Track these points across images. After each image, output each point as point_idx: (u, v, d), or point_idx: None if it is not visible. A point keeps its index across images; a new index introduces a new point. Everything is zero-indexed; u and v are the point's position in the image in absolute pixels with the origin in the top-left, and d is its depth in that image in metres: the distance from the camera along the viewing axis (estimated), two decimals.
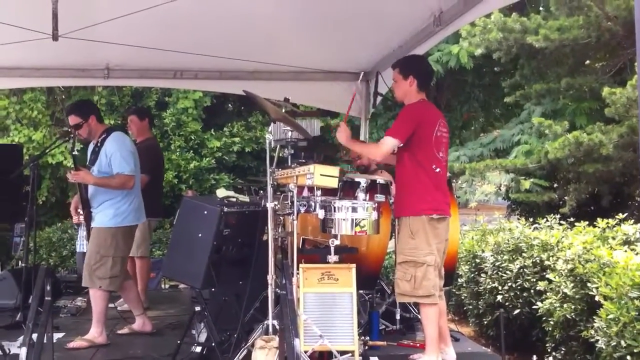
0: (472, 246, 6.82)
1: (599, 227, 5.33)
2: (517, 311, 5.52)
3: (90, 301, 5.51)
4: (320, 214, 4.47)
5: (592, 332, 4.25)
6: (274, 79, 7.15)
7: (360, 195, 4.54)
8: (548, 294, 4.97)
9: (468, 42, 11.02)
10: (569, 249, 4.98)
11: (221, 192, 6.57)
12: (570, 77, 10.14)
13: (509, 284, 5.67)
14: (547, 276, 5.06)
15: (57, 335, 5.29)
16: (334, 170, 4.41)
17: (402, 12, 5.34)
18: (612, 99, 8.60)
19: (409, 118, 4.57)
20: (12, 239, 9.31)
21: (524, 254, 5.66)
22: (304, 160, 4.72)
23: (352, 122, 11.90)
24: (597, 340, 4.12)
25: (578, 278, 4.67)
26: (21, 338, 3.87)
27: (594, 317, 4.21)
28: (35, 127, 10.88)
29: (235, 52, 6.36)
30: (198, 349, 4.73)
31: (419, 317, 4.78)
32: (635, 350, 3.71)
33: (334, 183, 4.41)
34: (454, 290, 6.95)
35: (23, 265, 6.28)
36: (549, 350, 5.01)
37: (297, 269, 4.43)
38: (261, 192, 5.97)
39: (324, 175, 4.35)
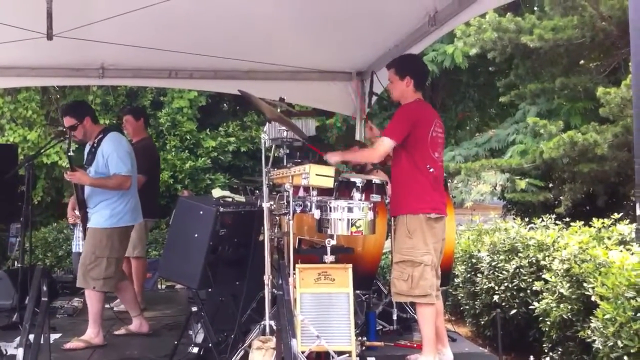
0: (468, 246, 6.82)
1: (594, 227, 5.33)
2: (513, 311, 5.52)
3: (86, 302, 5.49)
4: (316, 214, 4.47)
5: (589, 332, 4.25)
6: (270, 78, 7.16)
7: (356, 195, 4.54)
8: (544, 294, 4.97)
9: (463, 41, 11.03)
10: (565, 249, 4.98)
11: (217, 192, 6.55)
12: (564, 77, 10.16)
13: (505, 284, 5.67)
14: (543, 276, 5.06)
15: (53, 336, 5.27)
16: (330, 170, 4.41)
17: (397, 11, 5.35)
18: (607, 98, 8.62)
19: (405, 118, 4.57)
20: (8, 239, 9.29)
21: (520, 254, 5.67)
22: (299, 160, 4.72)
23: (347, 122, 11.97)
24: (594, 341, 4.11)
25: (574, 278, 4.67)
26: (18, 339, 3.84)
27: (591, 317, 4.21)
28: (30, 127, 10.86)
29: (230, 51, 6.36)
30: (195, 350, 4.72)
31: (416, 317, 4.78)
32: (632, 351, 3.70)
33: (329, 183, 4.42)
34: (451, 290, 6.95)
35: (19, 265, 6.26)
36: (545, 350, 5.01)
37: (294, 269, 4.43)
38: (257, 192, 5.96)
39: (319, 175, 4.35)
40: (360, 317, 5.24)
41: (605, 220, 5.34)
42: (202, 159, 11.22)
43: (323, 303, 4.44)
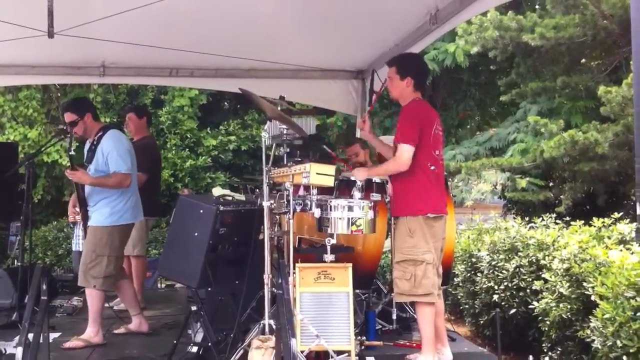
0: (468, 245, 6.82)
1: (594, 227, 5.32)
2: (513, 311, 5.51)
3: (86, 300, 5.49)
4: (316, 212, 4.47)
5: (588, 332, 4.25)
6: (270, 77, 7.15)
7: (356, 194, 4.54)
8: (544, 293, 4.97)
9: (464, 40, 11.01)
10: (565, 248, 4.98)
11: (217, 191, 6.55)
12: (566, 76, 10.15)
13: (505, 284, 5.66)
14: (543, 276, 5.05)
15: (53, 335, 5.27)
16: (330, 169, 4.41)
17: (399, 10, 5.34)
18: (608, 97, 8.61)
19: (415, 119, 4.55)
20: (8, 238, 9.27)
21: (519, 254, 5.66)
22: (300, 159, 4.71)
23: (348, 120, 11.97)
24: (593, 340, 4.11)
25: (574, 277, 4.66)
26: (17, 338, 3.84)
27: (590, 316, 4.20)
28: (31, 125, 10.84)
29: (231, 50, 6.35)
30: (194, 349, 4.72)
31: (415, 316, 4.77)
32: (631, 351, 3.70)
33: (330, 182, 4.42)
34: (450, 289, 6.95)
35: (19, 264, 6.26)
36: (545, 350, 5.00)
37: (294, 268, 4.43)
38: (257, 190, 5.96)
39: (320, 174, 4.35)
40: (359, 317, 5.24)
41: (606, 219, 5.34)
42: (203, 157, 11.21)
43: (323, 302, 4.44)
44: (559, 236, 5.43)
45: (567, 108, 10.53)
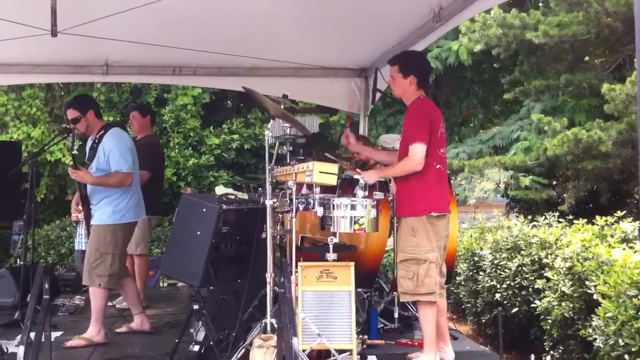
0: (470, 244, 6.81)
1: (597, 225, 5.31)
2: (515, 310, 5.51)
3: (88, 299, 5.50)
4: (319, 211, 4.46)
5: (590, 330, 4.25)
6: (273, 75, 7.13)
7: (359, 192, 4.52)
8: (546, 292, 4.97)
9: (467, 38, 10.99)
10: (568, 247, 4.98)
11: (220, 190, 6.54)
12: (569, 74, 10.13)
13: (507, 282, 5.66)
14: (545, 274, 5.05)
15: (55, 334, 5.29)
16: (333, 168, 4.40)
17: (402, 8, 5.32)
18: (612, 95, 8.59)
19: (423, 117, 4.53)
20: (11, 237, 9.30)
21: (522, 252, 5.66)
22: (303, 158, 4.71)
23: (350, 119, 11.95)
24: (595, 339, 4.11)
25: (576, 276, 4.66)
26: (19, 336, 3.85)
27: (592, 315, 4.21)
28: (34, 124, 10.86)
29: (234, 48, 6.34)
30: (196, 348, 4.73)
31: (417, 315, 4.77)
32: (633, 349, 3.70)
33: (333, 180, 4.41)
34: (452, 288, 6.94)
35: (21, 263, 6.28)
36: (546, 348, 5.00)
37: (296, 267, 4.43)
38: (260, 189, 5.96)
39: (323, 172, 4.34)
40: (361, 315, 5.24)
41: (608, 218, 5.32)
42: (206, 156, 11.21)
43: (325, 301, 4.43)
44: (561, 235, 5.43)
45: (570, 106, 10.50)
